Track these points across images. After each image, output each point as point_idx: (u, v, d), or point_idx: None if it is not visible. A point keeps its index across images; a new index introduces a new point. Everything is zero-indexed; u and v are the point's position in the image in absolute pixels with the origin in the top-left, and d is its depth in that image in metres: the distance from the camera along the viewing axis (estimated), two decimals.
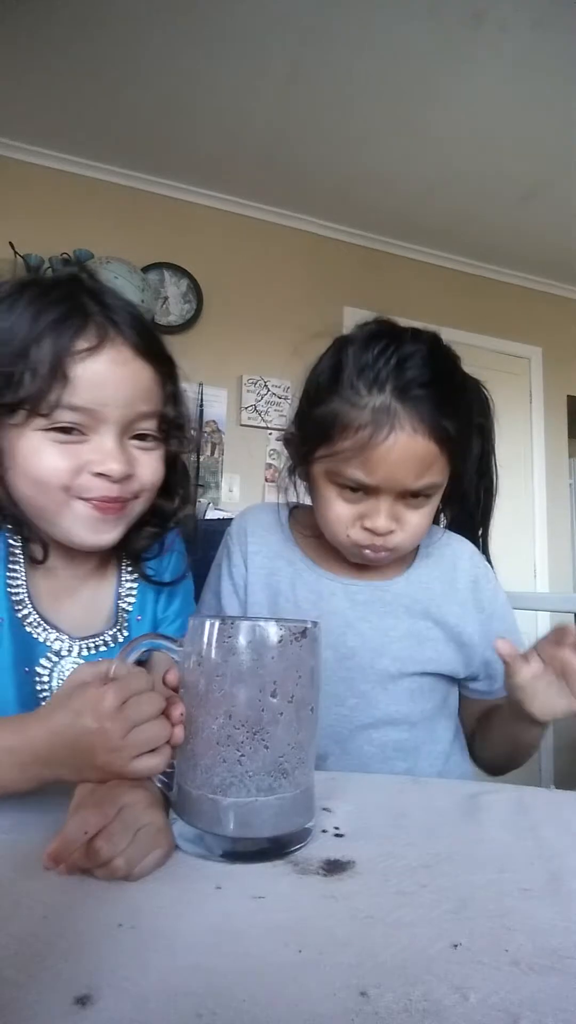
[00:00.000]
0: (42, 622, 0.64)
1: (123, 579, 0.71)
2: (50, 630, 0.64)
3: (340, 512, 0.73)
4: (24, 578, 0.64)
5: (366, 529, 0.72)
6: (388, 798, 0.58)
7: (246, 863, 0.44)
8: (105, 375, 0.56)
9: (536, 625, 2.62)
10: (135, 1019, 0.28)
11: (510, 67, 2.12)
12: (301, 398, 0.78)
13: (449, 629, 0.81)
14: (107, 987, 0.30)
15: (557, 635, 0.65)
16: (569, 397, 3.53)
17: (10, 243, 2.41)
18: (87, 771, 0.44)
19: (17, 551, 0.64)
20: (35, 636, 0.63)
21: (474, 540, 0.90)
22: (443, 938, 0.35)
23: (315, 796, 0.49)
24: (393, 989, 0.31)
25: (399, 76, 2.17)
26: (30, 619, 0.63)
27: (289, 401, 2.78)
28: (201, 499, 2.62)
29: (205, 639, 0.46)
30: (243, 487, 2.77)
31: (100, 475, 0.57)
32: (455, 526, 0.91)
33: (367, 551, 0.74)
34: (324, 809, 0.53)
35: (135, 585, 0.71)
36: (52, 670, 0.63)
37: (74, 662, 0.64)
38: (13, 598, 0.63)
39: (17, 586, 0.63)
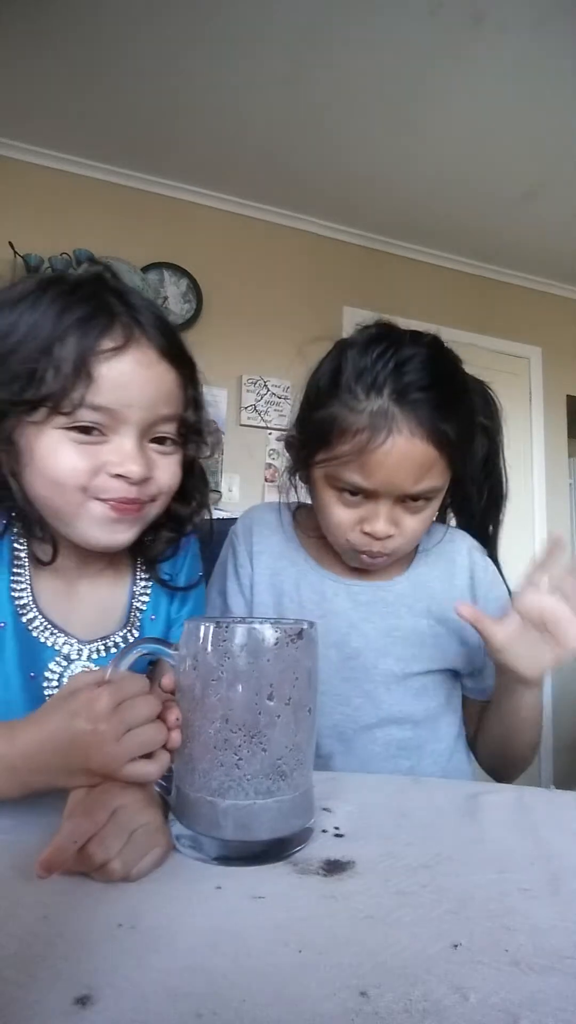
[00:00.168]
0: (49, 626, 0.63)
1: (137, 579, 0.70)
2: (58, 634, 0.63)
3: (340, 516, 0.73)
4: (29, 582, 0.63)
5: (365, 533, 0.72)
6: (388, 798, 0.58)
7: (245, 865, 0.44)
8: (130, 376, 0.56)
9: None
10: (135, 1019, 0.28)
11: (510, 67, 2.12)
12: (302, 402, 0.78)
13: (449, 624, 0.81)
14: (107, 987, 0.30)
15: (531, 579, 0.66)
16: (569, 397, 3.53)
17: (10, 243, 2.41)
18: (80, 776, 0.44)
19: (22, 554, 0.63)
20: (42, 640, 0.62)
21: (483, 542, 0.90)
22: (443, 938, 0.35)
23: (315, 797, 0.49)
24: (393, 989, 0.30)
25: (399, 76, 2.17)
26: (36, 623, 0.62)
27: (289, 401, 2.79)
28: None
29: (200, 642, 0.46)
30: (243, 487, 2.77)
31: (118, 476, 0.56)
32: (463, 529, 0.90)
33: (364, 556, 0.75)
34: (324, 809, 0.53)
35: (149, 584, 0.71)
36: (62, 675, 0.62)
37: (84, 666, 0.63)
38: (17, 602, 0.62)
39: (21, 590, 0.62)
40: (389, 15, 1.93)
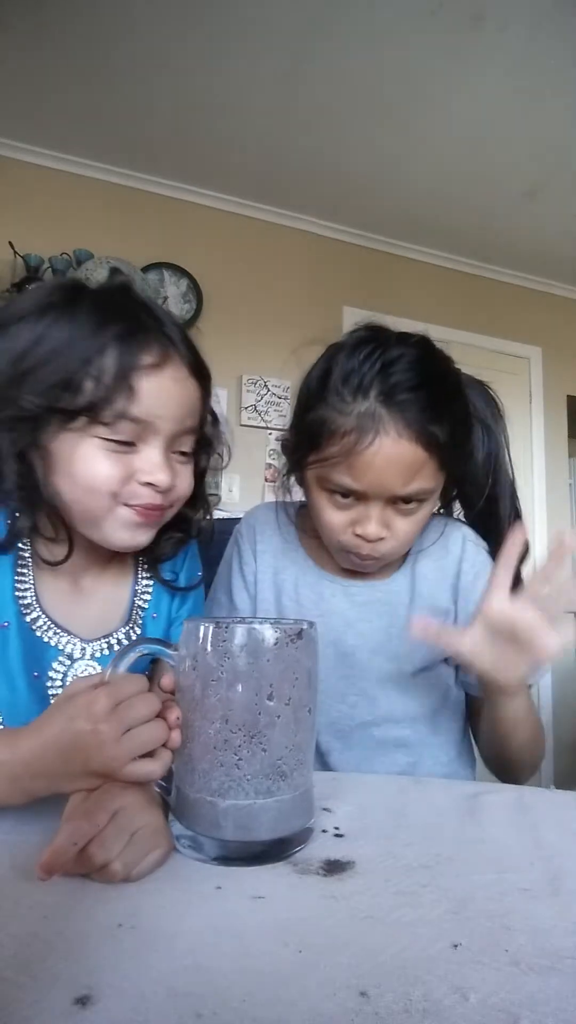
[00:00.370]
0: (53, 625, 0.64)
1: (139, 577, 0.72)
2: (61, 633, 0.64)
3: (332, 518, 0.73)
4: (32, 582, 0.64)
5: (357, 535, 0.72)
6: (388, 798, 0.58)
7: (245, 866, 0.44)
8: (168, 390, 0.59)
9: None
10: (135, 1019, 0.28)
11: (510, 67, 2.12)
12: (295, 404, 0.78)
13: (442, 615, 0.81)
14: (107, 987, 0.30)
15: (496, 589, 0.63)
16: (569, 397, 3.53)
17: (10, 243, 2.41)
18: (82, 778, 0.44)
19: (26, 554, 0.64)
20: (46, 640, 0.63)
21: (491, 543, 0.88)
22: (443, 938, 0.35)
23: (315, 797, 0.49)
24: (393, 989, 0.30)
25: (399, 76, 2.17)
26: (39, 623, 0.63)
27: (289, 401, 2.78)
28: None
29: (200, 643, 0.46)
30: (243, 487, 2.77)
31: (147, 484, 0.59)
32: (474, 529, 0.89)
33: (355, 558, 0.75)
34: (324, 809, 0.53)
35: (151, 583, 0.72)
36: (66, 674, 0.63)
37: (88, 664, 0.64)
38: (21, 602, 0.62)
39: (25, 590, 0.63)
40: (389, 15, 1.93)
